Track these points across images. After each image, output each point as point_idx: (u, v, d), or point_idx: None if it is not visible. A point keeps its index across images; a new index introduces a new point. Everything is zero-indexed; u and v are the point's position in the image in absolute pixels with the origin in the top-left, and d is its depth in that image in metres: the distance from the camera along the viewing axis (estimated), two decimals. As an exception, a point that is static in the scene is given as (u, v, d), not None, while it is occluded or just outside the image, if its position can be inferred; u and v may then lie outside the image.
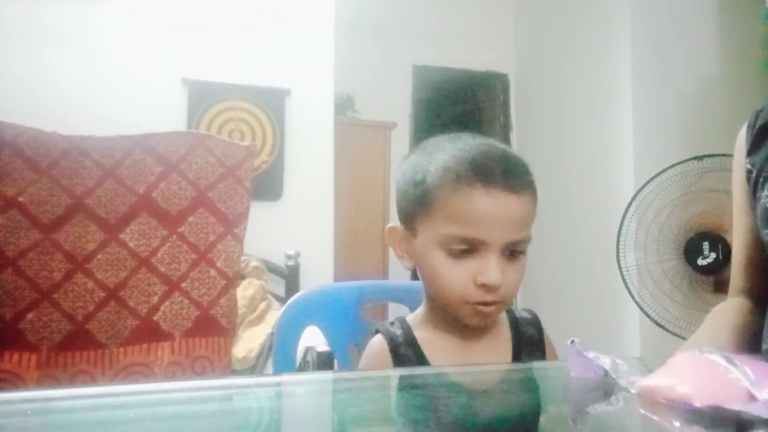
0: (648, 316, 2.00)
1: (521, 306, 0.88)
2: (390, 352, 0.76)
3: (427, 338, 0.77)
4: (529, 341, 0.80)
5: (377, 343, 0.78)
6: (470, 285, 0.71)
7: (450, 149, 0.75)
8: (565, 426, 0.46)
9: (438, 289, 0.74)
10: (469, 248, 0.71)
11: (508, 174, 0.72)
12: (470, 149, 0.74)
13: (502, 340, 0.80)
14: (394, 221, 0.81)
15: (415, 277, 0.81)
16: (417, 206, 0.75)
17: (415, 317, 0.81)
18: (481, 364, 0.74)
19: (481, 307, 0.72)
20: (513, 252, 0.73)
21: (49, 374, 1.62)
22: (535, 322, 0.83)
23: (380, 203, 3.48)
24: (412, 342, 0.77)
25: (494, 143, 0.78)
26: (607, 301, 2.89)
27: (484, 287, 0.70)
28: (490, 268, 0.70)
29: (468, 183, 0.70)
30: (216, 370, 1.76)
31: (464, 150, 0.74)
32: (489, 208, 0.70)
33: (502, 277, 0.70)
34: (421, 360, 0.75)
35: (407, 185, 0.77)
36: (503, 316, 0.82)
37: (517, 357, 0.79)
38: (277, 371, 1.01)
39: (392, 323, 0.80)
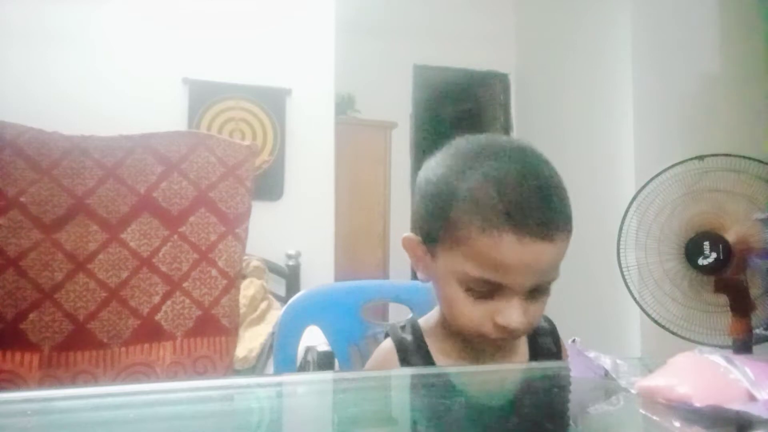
0: (648, 316, 1.99)
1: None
2: (399, 360, 0.72)
3: (439, 347, 0.73)
4: (546, 354, 0.77)
5: (385, 350, 0.75)
6: (488, 323, 0.66)
7: (482, 172, 0.65)
8: (565, 426, 0.46)
9: (453, 319, 0.69)
10: (491, 290, 0.65)
11: (544, 220, 0.63)
12: (505, 178, 0.64)
13: (518, 353, 0.76)
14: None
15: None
16: (439, 231, 0.67)
17: (427, 321, 0.77)
18: (481, 365, 0.74)
19: (498, 341, 0.68)
20: (538, 291, 0.67)
21: (51, 374, 1.62)
22: (553, 332, 0.79)
23: (380, 203, 3.48)
24: (422, 350, 0.73)
25: (533, 168, 0.66)
26: (608, 301, 2.89)
27: (503, 329, 0.65)
28: (512, 311, 0.64)
29: (498, 228, 0.62)
30: (218, 370, 1.76)
31: (498, 178, 0.64)
32: (519, 258, 0.62)
33: (524, 319, 0.65)
34: None
35: (430, 201, 0.69)
36: None
37: None
38: (278, 371, 1.01)
39: (403, 327, 0.76)
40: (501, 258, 0.62)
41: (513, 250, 0.62)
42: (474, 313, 0.66)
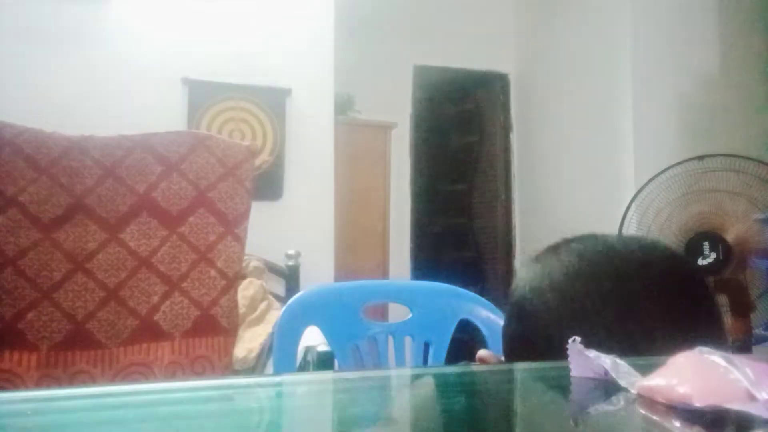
0: (648, 316, 1.99)
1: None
2: None
3: None
4: None
5: None
6: None
7: (612, 321, 0.50)
8: (565, 426, 0.46)
9: None
10: None
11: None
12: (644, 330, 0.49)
13: None
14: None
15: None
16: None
17: None
18: (481, 365, 0.74)
19: None
20: None
21: (49, 374, 1.62)
22: None
23: (380, 203, 3.48)
24: None
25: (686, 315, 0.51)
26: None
27: None
28: None
29: None
30: (216, 370, 1.76)
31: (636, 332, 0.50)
32: None
33: None
34: None
35: (537, 343, 0.54)
36: None
37: None
38: (278, 371, 1.01)
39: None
40: None
41: None
42: None
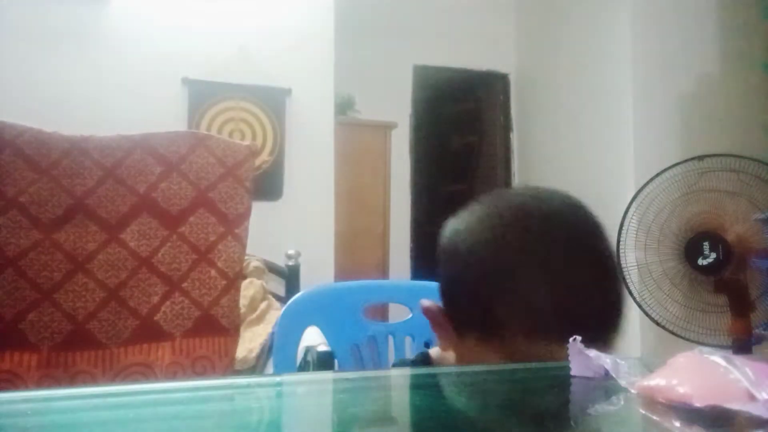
0: (648, 316, 1.99)
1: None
2: None
3: None
4: None
5: None
6: None
7: (534, 263, 0.58)
8: (565, 426, 0.46)
9: None
10: None
11: (601, 330, 0.58)
12: (561, 277, 0.57)
13: None
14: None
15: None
16: (473, 317, 0.61)
17: (442, 359, 0.71)
18: (481, 365, 0.74)
19: None
20: None
21: (50, 374, 1.62)
22: None
23: (380, 203, 3.48)
24: None
25: (591, 254, 0.59)
26: (608, 301, 2.88)
27: None
28: None
29: (549, 338, 0.56)
30: (217, 371, 1.76)
31: (554, 278, 0.57)
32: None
33: None
34: None
35: (465, 277, 0.61)
36: None
37: None
38: (278, 371, 1.01)
39: (414, 361, 0.74)
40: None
41: (557, 357, 0.57)
42: None
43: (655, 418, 0.43)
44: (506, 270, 0.58)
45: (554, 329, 0.56)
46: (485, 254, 0.60)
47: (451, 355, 0.72)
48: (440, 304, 0.65)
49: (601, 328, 0.58)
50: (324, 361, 1.31)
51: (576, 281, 0.57)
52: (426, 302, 0.66)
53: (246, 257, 2.15)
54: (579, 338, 0.56)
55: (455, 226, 0.63)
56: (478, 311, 0.60)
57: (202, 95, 2.78)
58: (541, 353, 0.57)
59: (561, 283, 0.57)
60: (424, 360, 0.72)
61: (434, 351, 0.74)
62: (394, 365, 0.78)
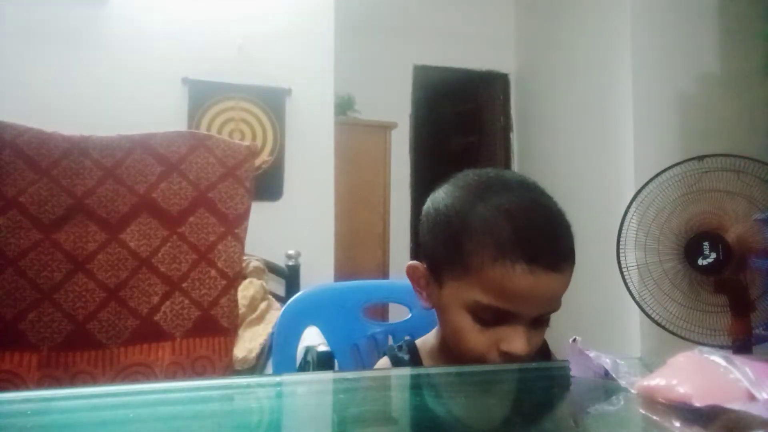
0: (648, 316, 2.00)
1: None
2: None
3: None
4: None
5: (382, 367, 0.77)
6: (493, 350, 0.67)
7: (494, 204, 0.67)
8: (565, 426, 0.46)
9: (457, 346, 0.71)
10: (498, 317, 0.67)
11: (554, 251, 0.66)
12: (516, 210, 0.67)
13: None
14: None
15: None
16: (448, 260, 0.70)
17: (425, 343, 0.78)
18: (481, 365, 0.74)
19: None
20: (542, 319, 0.70)
21: (50, 374, 1.62)
22: (543, 349, 0.79)
23: (380, 203, 3.48)
24: None
25: (541, 201, 0.70)
26: (608, 301, 2.89)
27: (507, 355, 0.67)
28: (517, 338, 0.66)
29: (511, 258, 0.64)
30: (217, 371, 1.76)
31: (510, 211, 0.67)
32: (530, 287, 0.65)
33: (526, 347, 0.67)
34: None
35: (440, 233, 0.71)
36: None
37: None
38: (277, 371, 1.01)
39: (400, 347, 0.78)
40: (512, 287, 0.65)
41: (525, 280, 0.64)
42: (480, 341, 0.68)
43: (655, 418, 0.43)
44: (470, 210, 0.68)
45: (513, 253, 0.64)
46: (454, 203, 0.70)
47: (431, 337, 0.79)
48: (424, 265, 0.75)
49: (553, 253, 0.66)
50: (324, 361, 1.31)
51: (527, 214, 0.67)
52: (410, 262, 0.75)
53: (246, 257, 2.15)
54: (578, 339, 0.56)
55: (431, 196, 0.75)
56: (451, 250, 0.69)
57: (202, 95, 2.78)
58: (506, 276, 0.64)
59: (515, 216, 0.66)
60: (409, 346, 0.78)
61: (419, 341, 0.79)
62: (385, 353, 0.79)
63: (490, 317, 0.67)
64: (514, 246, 0.65)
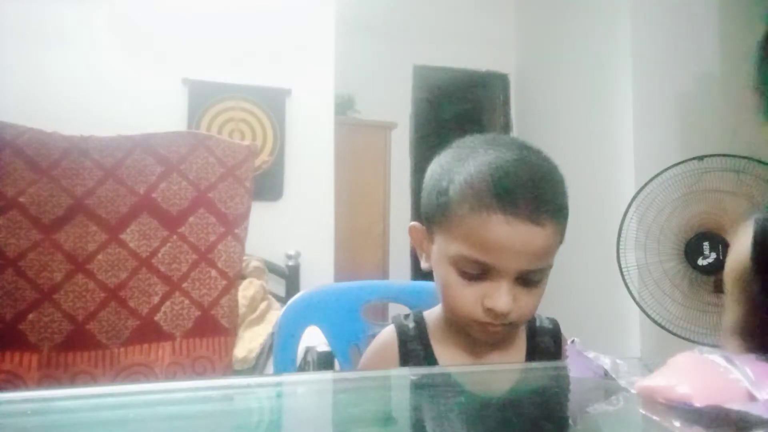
0: (648, 316, 2.00)
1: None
2: (399, 344, 0.75)
3: (440, 337, 0.76)
4: (544, 352, 0.77)
5: (387, 333, 0.78)
6: (478, 307, 0.68)
7: (480, 160, 0.69)
8: (565, 426, 0.46)
9: (447, 304, 0.73)
10: (482, 272, 0.68)
11: (533, 203, 0.66)
12: (499, 165, 0.68)
13: (516, 348, 0.77)
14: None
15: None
16: (436, 215, 0.72)
17: (431, 313, 0.80)
18: (481, 364, 0.74)
19: (490, 328, 0.69)
20: (529, 279, 0.69)
21: (50, 374, 1.62)
22: (554, 333, 0.79)
23: (380, 203, 3.48)
24: (423, 338, 0.76)
25: (529, 159, 0.71)
26: (607, 301, 2.89)
27: (491, 312, 0.68)
28: (500, 294, 0.67)
29: (487, 207, 0.65)
30: (217, 370, 1.76)
31: (493, 165, 0.68)
32: (506, 238, 0.65)
33: (512, 304, 0.67)
34: (429, 357, 0.74)
35: (432, 189, 0.73)
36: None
37: None
38: (278, 371, 1.01)
39: (407, 316, 0.80)
40: (488, 236, 0.66)
41: (501, 230, 0.65)
42: (465, 296, 0.69)
43: (655, 418, 0.43)
44: (458, 166, 0.70)
45: (490, 204, 0.66)
46: (447, 161, 0.73)
47: (438, 307, 0.79)
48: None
49: (531, 205, 0.66)
50: (324, 361, 1.31)
51: (510, 168, 0.68)
52: (411, 223, 0.78)
53: (246, 257, 2.15)
54: (577, 340, 0.56)
55: (431, 162, 0.78)
56: (439, 205, 0.71)
57: (202, 95, 2.78)
58: (483, 226, 0.66)
59: (498, 169, 0.68)
60: (416, 315, 0.80)
61: (426, 312, 0.81)
62: (392, 321, 0.80)
63: (473, 270, 0.68)
64: (492, 196, 0.66)
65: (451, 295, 0.70)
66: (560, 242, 0.71)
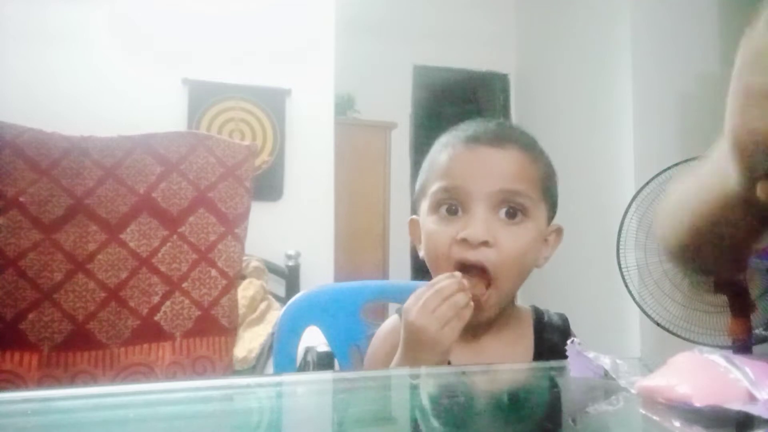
0: (648, 316, 2.00)
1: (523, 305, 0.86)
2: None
3: None
4: (551, 349, 0.75)
5: (392, 321, 0.78)
6: (453, 242, 0.69)
7: (461, 127, 0.77)
8: (565, 426, 0.46)
9: (427, 253, 0.74)
10: (456, 205, 0.70)
11: (493, 133, 0.73)
12: (475, 125, 0.76)
13: (523, 344, 0.76)
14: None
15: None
16: (420, 182, 0.78)
17: None
18: (481, 364, 0.74)
19: (464, 281, 0.65)
20: (511, 211, 0.69)
21: (50, 374, 1.62)
22: (563, 329, 0.78)
23: (380, 203, 3.48)
24: None
25: (503, 122, 0.81)
26: (607, 301, 2.89)
27: (465, 242, 0.67)
28: (474, 222, 0.68)
29: (452, 144, 0.74)
30: (217, 370, 1.76)
31: (469, 125, 0.76)
32: (469, 160, 0.71)
33: (486, 234, 0.67)
34: None
35: (419, 173, 0.80)
36: (528, 319, 0.78)
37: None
38: (278, 371, 1.01)
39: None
40: (453, 163, 0.72)
41: (463, 155, 0.72)
42: (442, 233, 0.71)
43: (655, 418, 0.43)
44: (437, 142, 0.78)
45: (455, 139, 0.75)
46: (437, 140, 0.79)
47: None
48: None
49: (492, 133, 0.73)
50: (324, 362, 1.31)
51: (481, 123, 0.76)
52: (412, 217, 0.81)
53: (246, 257, 2.15)
54: (576, 340, 0.56)
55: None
56: (421, 179, 0.78)
57: (202, 95, 2.78)
58: (450, 157, 0.73)
59: (466, 125, 0.76)
60: None
61: None
62: (396, 312, 0.79)
63: (447, 202, 0.71)
64: (457, 135, 0.75)
65: (431, 239, 0.72)
66: (535, 174, 0.73)
